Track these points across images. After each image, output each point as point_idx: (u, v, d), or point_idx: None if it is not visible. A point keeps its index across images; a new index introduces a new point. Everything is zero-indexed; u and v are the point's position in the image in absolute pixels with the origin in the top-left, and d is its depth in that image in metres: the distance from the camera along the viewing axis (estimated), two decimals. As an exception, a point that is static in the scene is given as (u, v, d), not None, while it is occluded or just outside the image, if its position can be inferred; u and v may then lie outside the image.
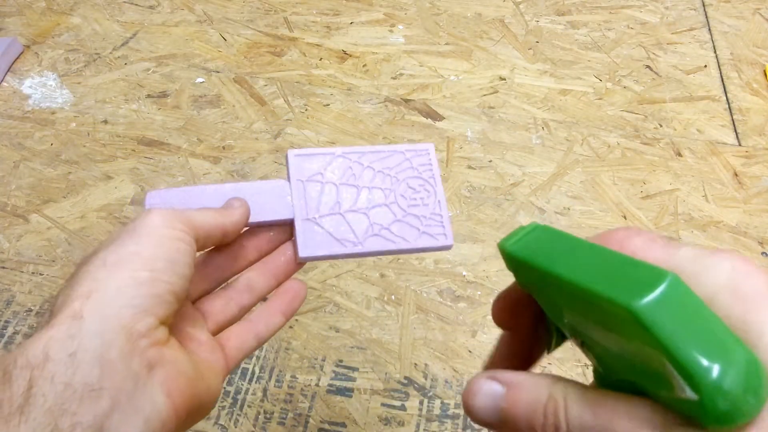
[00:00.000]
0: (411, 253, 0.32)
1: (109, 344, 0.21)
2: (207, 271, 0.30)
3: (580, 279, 0.16)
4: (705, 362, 0.14)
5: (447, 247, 0.31)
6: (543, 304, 0.20)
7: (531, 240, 0.19)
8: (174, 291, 0.23)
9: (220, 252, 0.30)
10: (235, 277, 0.31)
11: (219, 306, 0.30)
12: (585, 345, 0.18)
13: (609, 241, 0.19)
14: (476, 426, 0.47)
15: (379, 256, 0.34)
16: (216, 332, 0.29)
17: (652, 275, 0.15)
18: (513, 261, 0.19)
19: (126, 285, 0.22)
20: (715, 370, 0.14)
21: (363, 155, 0.32)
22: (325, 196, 0.31)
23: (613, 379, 0.17)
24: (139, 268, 0.23)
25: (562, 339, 0.21)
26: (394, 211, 0.32)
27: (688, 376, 0.14)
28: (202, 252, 0.29)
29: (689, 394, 0.14)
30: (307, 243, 0.30)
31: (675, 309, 0.14)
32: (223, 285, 0.31)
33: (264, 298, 0.31)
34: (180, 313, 0.26)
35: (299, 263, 0.31)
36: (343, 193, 0.31)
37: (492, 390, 0.18)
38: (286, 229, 0.31)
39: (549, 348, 0.21)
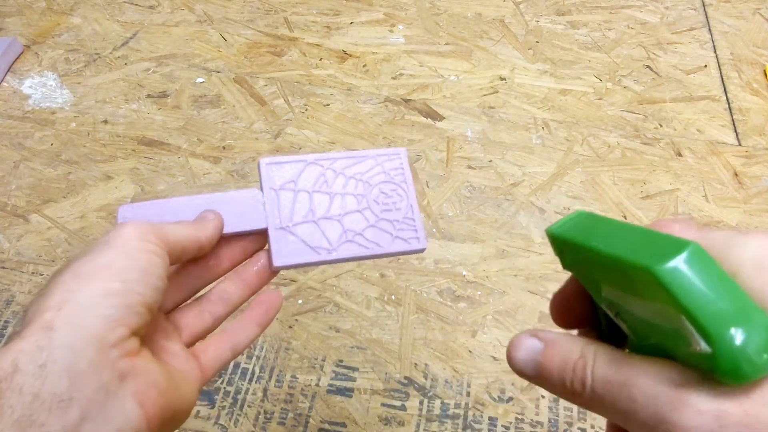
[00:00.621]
0: (385, 257, 0.32)
1: (80, 355, 0.21)
2: (180, 281, 0.30)
3: (613, 250, 0.18)
4: (717, 319, 0.15)
5: (420, 250, 0.32)
6: (585, 282, 0.21)
7: (575, 224, 0.21)
8: (146, 302, 0.23)
9: (194, 262, 0.30)
10: (209, 287, 0.31)
11: (193, 317, 0.30)
12: (619, 315, 0.19)
13: (651, 227, 0.20)
14: (476, 426, 0.47)
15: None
16: (190, 343, 0.29)
17: (677, 245, 0.16)
18: (558, 242, 0.21)
19: (98, 295, 0.22)
20: (727, 323, 0.15)
21: (335, 161, 0.33)
22: (298, 204, 0.32)
23: (644, 345, 0.19)
24: (111, 278, 0.23)
25: (609, 330, 0.22)
26: (367, 217, 0.32)
27: (702, 329, 0.15)
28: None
29: (704, 347, 0.15)
30: (281, 252, 0.30)
31: (694, 272, 0.16)
32: (197, 296, 0.31)
33: (238, 308, 0.31)
34: (153, 325, 0.26)
35: (273, 272, 0.31)
36: (316, 200, 0.32)
37: (532, 345, 0.20)
38: (259, 237, 0.31)
39: (602, 334, 0.22)
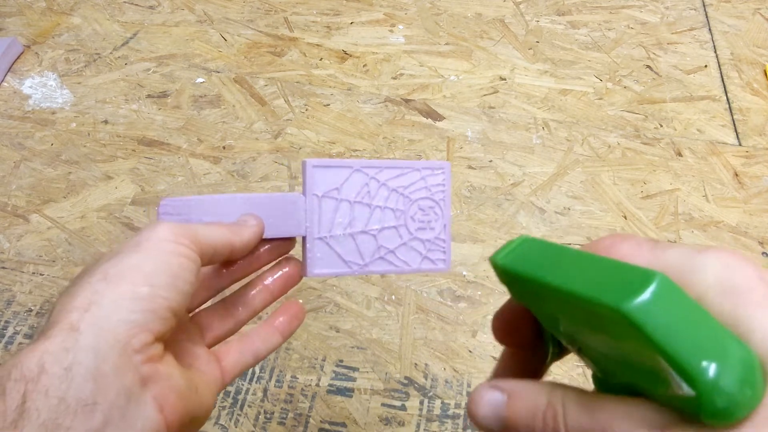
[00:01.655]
0: (408, 273, 0.32)
1: (104, 358, 0.21)
2: (208, 279, 0.30)
3: (570, 286, 0.16)
4: (700, 360, 0.14)
5: (443, 270, 0.33)
6: (539, 315, 0.20)
7: (521, 252, 0.19)
8: (172, 307, 0.23)
9: (224, 263, 0.30)
10: (233, 289, 0.31)
11: (217, 319, 0.30)
12: (582, 351, 0.18)
13: (597, 248, 0.19)
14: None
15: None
16: (211, 345, 0.29)
17: (641, 276, 0.15)
18: (505, 274, 0.20)
19: (124, 299, 0.22)
20: (712, 368, 0.14)
21: (380, 171, 0.32)
22: (339, 214, 0.31)
23: (612, 383, 0.18)
24: (139, 282, 0.22)
25: (559, 351, 0.21)
26: (402, 234, 0.32)
27: (685, 374, 0.14)
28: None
29: (686, 390, 0.14)
30: (316, 262, 0.31)
31: (666, 308, 0.14)
32: (221, 297, 0.31)
33: (258, 314, 0.31)
34: (178, 327, 0.26)
35: (296, 280, 0.31)
36: (357, 212, 0.31)
37: (494, 399, 0.19)
38: (288, 240, 0.31)
39: (546, 360, 0.22)
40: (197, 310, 0.30)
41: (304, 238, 0.31)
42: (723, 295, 0.16)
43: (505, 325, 0.22)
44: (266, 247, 0.31)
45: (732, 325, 0.15)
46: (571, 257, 0.18)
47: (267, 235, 0.30)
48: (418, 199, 0.32)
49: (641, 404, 0.16)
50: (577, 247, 0.57)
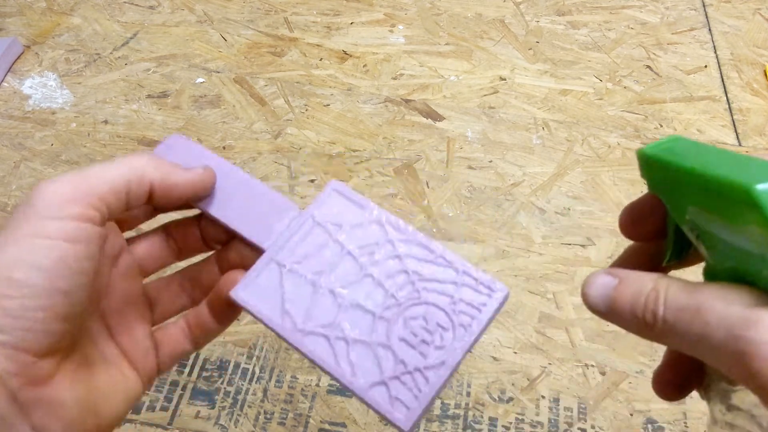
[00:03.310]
0: (351, 394, 0.22)
1: None
2: (155, 249, 0.26)
3: (707, 170, 0.18)
4: None
5: (398, 428, 0.21)
6: (670, 204, 0.21)
7: (669, 146, 0.21)
8: (59, 314, 0.19)
9: (191, 227, 0.27)
10: (195, 261, 0.27)
11: (171, 293, 0.27)
12: (700, 238, 0.20)
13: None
14: (476, 426, 0.47)
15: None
16: (159, 321, 0.27)
17: None
18: (649, 163, 0.21)
19: None
20: None
21: (405, 240, 0.24)
22: (321, 253, 0.24)
23: (722, 267, 0.19)
24: (6, 293, 0.18)
25: (678, 254, 0.22)
26: (376, 329, 0.22)
27: None
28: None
29: None
30: (250, 285, 0.24)
31: None
32: (182, 269, 0.27)
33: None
34: (127, 296, 0.24)
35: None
36: (342, 265, 0.24)
37: (605, 282, 0.20)
38: (254, 251, 0.26)
39: (665, 258, 0.22)
40: (149, 280, 0.27)
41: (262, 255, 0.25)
42: None
43: (634, 217, 0.23)
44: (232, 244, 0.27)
45: None
46: (717, 152, 0.19)
47: (231, 225, 0.26)
48: (429, 303, 0.23)
49: (740, 288, 0.17)
50: (579, 247, 0.56)
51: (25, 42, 0.75)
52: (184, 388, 0.48)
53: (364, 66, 0.74)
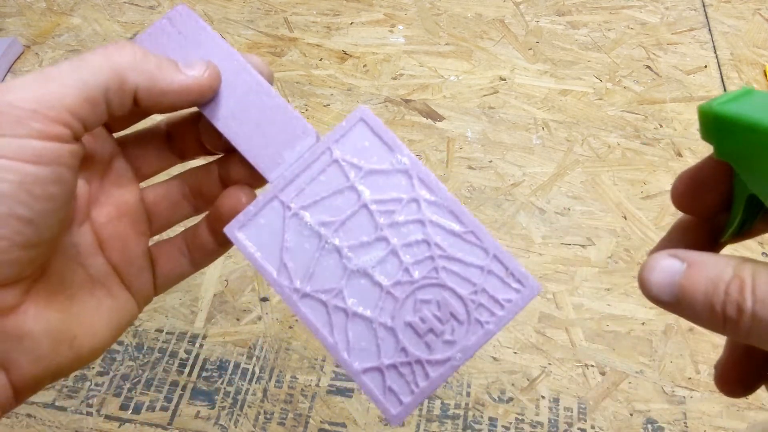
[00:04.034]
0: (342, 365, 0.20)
1: None
2: (169, 140, 0.24)
3: None
4: None
5: (388, 418, 0.20)
6: (747, 175, 0.17)
7: (742, 101, 0.17)
8: (19, 243, 0.17)
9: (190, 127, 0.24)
10: (197, 165, 0.24)
11: (170, 200, 0.24)
12: None
13: None
14: (476, 426, 0.47)
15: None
16: (158, 232, 0.24)
17: None
18: (720, 122, 0.17)
19: None
20: None
21: (435, 203, 0.20)
22: (334, 198, 0.20)
23: None
24: None
25: (740, 228, 0.19)
26: (382, 306, 0.20)
27: None
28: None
29: None
30: (250, 224, 0.21)
31: None
32: (180, 173, 0.25)
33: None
34: (122, 205, 0.22)
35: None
36: (357, 219, 0.20)
37: (671, 266, 0.17)
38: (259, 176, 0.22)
39: (723, 237, 0.19)
40: (147, 185, 0.23)
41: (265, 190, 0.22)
42: None
43: (691, 188, 0.19)
44: (236, 164, 0.23)
45: None
46: None
47: (233, 140, 0.22)
48: (446, 288, 0.20)
49: None
50: (578, 247, 0.57)
51: (25, 42, 0.75)
52: (184, 388, 0.48)
53: (364, 66, 0.74)
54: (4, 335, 0.18)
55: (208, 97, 0.21)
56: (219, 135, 0.22)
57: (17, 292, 0.18)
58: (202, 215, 0.25)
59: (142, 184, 0.24)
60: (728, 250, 0.20)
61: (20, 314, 0.18)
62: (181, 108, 0.21)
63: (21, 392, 0.19)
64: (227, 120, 0.21)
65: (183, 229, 0.25)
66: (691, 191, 0.19)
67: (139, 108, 0.20)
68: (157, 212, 0.24)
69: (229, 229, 0.21)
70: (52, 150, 0.17)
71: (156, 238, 0.25)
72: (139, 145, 0.23)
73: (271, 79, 0.22)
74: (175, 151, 0.24)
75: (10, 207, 0.16)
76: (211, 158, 0.25)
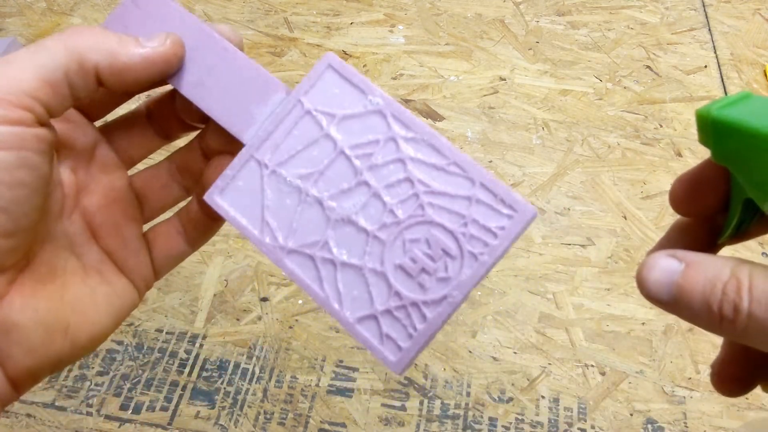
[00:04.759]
0: (337, 320, 0.20)
1: None
2: (152, 122, 0.23)
3: None
4: None
5: (390, 364, 0.19)
6: (747, 181, 0.17)
7: (741, 106, 0.17)
8: (7, 230, 0.17)
9: (166, 110, 0.23)
10: (182, 145, 0.24)
11: (160, 184, 0.23)
12: None
13: None
14: (476, 426, 0.47)
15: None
16: (151, 218, 0.24)
17: None
18: (718, 127, 0.17)
19: None
20: None
21: (413, 139, 0.20)
22: (309, 151, 0.20)
23: None
24: None
25: (737, 230, 0.19)
26: (370, 252, 0.19)
27: None
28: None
29: None
30: (228, 188, 0.20)
31: None
32: (168, 156, 0.24)
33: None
34: (110, 193, 0.22)
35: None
36: (335, 168, 0.20)
37: (669, 266, 0.17)
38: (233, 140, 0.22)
39: (720, 239, 0.19)
40: (136, 171, 0.24)
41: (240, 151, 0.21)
42: None
43: (689, 191, 0.19)
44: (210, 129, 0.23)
45: None
46: None
47: (204, 108, 0.22)
48: (434, 223, 0.19)
49: None
50: (578, 247, 0.57)
51: (25, 42, 0.75)
52: (184, 388, 0.48)
53: (364, 66, 0.74)
54: None
55: (174, 67, 0.21)
56: (192, 106, 0.22)
57: (2, 282, 0.18)
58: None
59: (133, 170, 0.24)
60: (728, 250, 0.20)
61: (5, 306, 0.18)
62: (148, 82, 0.21)
63: (19, 385, 0.19)
64: (196, 88, 0.21)
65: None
66: (689, 195, 0.19)
67: (104, 87, 0.20)
68: (148, 196, 0.24)
69: (208, 196, 0.21)
70: (15, 134, 0.17)
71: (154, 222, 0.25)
72: (123, 131, 0.23)
73: (240, 46, 0.22)
74: (159, 132, 0.24)
75: (6, 191, 0.16)
76: (193, 134, 0.25)
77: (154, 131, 0.24)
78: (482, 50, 0.76)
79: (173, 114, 0.23)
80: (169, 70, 0.21)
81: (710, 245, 0.20)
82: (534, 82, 0.73)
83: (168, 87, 0.23)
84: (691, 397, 0.48)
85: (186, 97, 0.22)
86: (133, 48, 0.19)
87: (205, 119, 0.23)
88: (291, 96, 0.20)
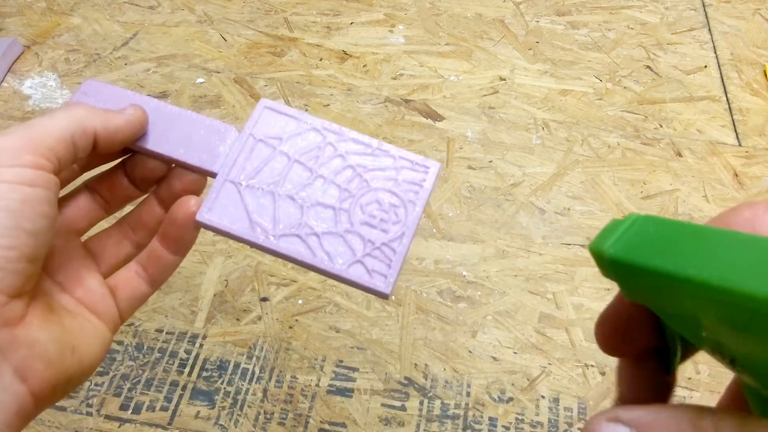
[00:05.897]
0: (335, 279, 0.25)
1: None
2: (95, 197, 0.26)
3: (720, 279, 0.12)
4: None
5: (381, 294, 0.24)
6: (665, 316, 0.16)
7: (635, 236, 0.15)
8: (25, 254, 0.20)
9: (116, 174, 0.27)
10: (131, 209, 0.28)
11: (112, 244, 0.27)
12: (736, 362, 0.14)
13: (734, 222, 0.14)
14: (476, 426, 0.47)
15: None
16: (109, 274, 0.27)
17: None
18: (616, 267, 0.15)
19: None
20: None
21: (343, 140, 0.26)
22: (271, 166, 0.26)
23: None
24: None
25: (686, 353, 0.17)
26: (339, 220, 0.25)
27: None
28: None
29: None
30: (214, 206, 0.25)
31: None
32: (118, 220, 0.27)
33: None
34: (67, 255, 0.24)
35: (197, 226, 0.26)
36: (293, 172, 0.26)
37: None
38: (199, 178, 0.27)
39: (669, 368, 0.17)
40: (88, 236, 0.27)
41: (216, 179, 0.26)
42: None
43: (615, 332, 0.17)
44: (185, 175, 0.26)
45: None
46: (709, 238, 0.13)
47: (175, 156, 0.26)
48: (378, 189, 0.26)
49: None
50: (578, 247, 0.56)
51: (25, 42, 0.75)
52: (184, 388, 0.48)
53: (364, 66, 0.74)
54: (17, 344, 0.20)
55: (145, 127, 0.26)
56: (150, 167, 0.26)
57: (22, 305, 0.20)
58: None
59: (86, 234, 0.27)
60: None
61: (27, 324, 0.20)
62: (130, 143, 0.25)
63: (40, 399, 0.21)
64: (165, 143, 0.26)
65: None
66: (614, 338, 0.17)
67: (95, 151, 0.24)
68: (103, 256, 0.27)
69: (200, 216, 0.25)
70: (42, 176, 0.21)
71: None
72: (70, 204, 0.27)
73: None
74: (101, 205, 0.27)
75: (18, 221, 0.19)
76: (138, 199, 0.28)
77: (98, 204, 0.27)
78: (482, 50, 0.76)
79: (117, 187, 0.27)
80: (142, 131, 0.26)
81: (665, 375, 0.18)
82: (534, 82, 0.73)
83: (103, 168, 0.27)
84: (691, 397, 0.48)
85: (156, 155, 0.26)
86: (118, 115, 0.24)
87: (160, 178, 0.27)
88: (243, 132, 0.26)
